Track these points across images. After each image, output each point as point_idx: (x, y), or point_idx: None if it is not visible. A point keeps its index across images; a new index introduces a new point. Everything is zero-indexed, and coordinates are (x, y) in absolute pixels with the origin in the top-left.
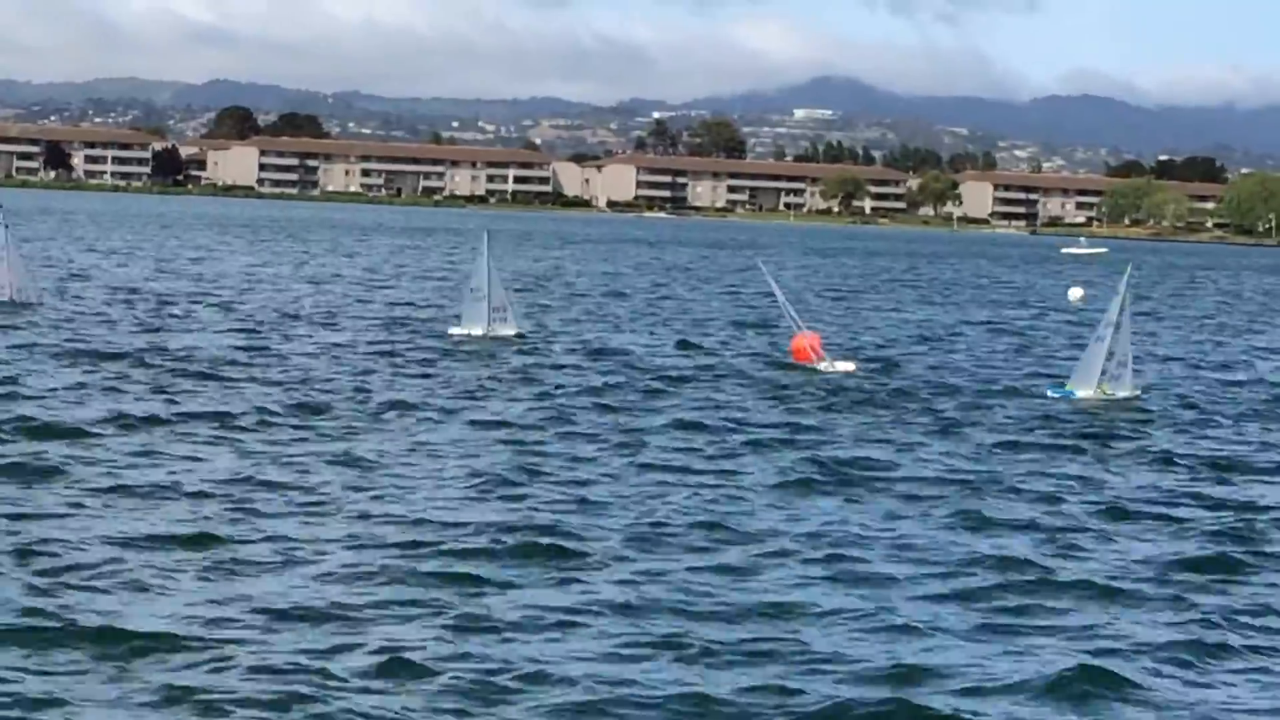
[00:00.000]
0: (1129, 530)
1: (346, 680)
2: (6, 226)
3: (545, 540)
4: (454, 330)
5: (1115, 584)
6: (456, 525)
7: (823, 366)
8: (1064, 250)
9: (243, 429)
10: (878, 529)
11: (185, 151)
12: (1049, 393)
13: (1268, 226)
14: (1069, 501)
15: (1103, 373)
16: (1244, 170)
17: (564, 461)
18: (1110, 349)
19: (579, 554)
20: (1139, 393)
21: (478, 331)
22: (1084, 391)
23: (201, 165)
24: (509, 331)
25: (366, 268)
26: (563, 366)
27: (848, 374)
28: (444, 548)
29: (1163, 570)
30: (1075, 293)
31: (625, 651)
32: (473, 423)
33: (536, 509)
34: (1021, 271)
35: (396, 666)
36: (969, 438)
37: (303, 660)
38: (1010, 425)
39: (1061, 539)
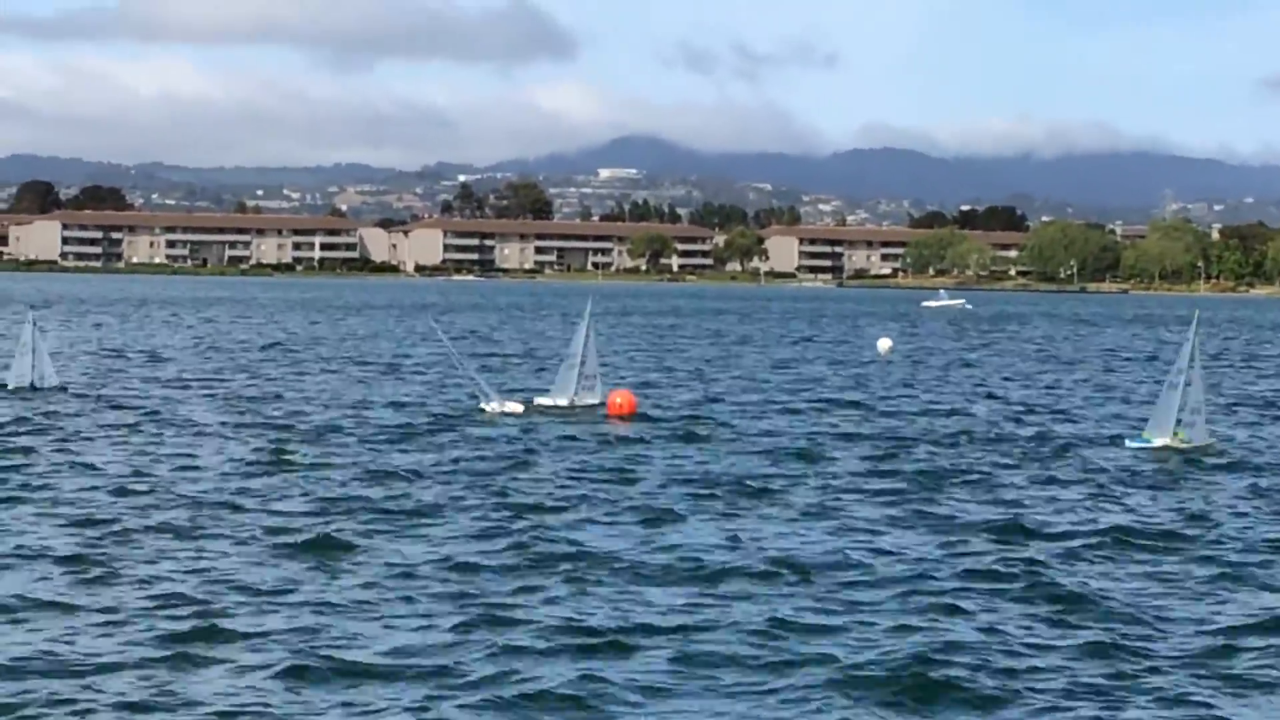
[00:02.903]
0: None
1: None
2: (34, 324)
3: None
4: (541, 400)
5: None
6: None
7: (492, 407)
8: (924, 304)
9: None
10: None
11: None
12: (1127, 443)
13: (1069, 273)
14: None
15: (1178, 420)
16: (1044, 218)
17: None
18: (1183, 398)
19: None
20: (1213, 441)
21: (563, 401)
22: (1160, 439)
23: (3, 240)
24: (594, 400)
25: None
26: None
27: (516, 415)
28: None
29: None
30: (884, 344)
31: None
32: None
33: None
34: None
35: None
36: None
37: None
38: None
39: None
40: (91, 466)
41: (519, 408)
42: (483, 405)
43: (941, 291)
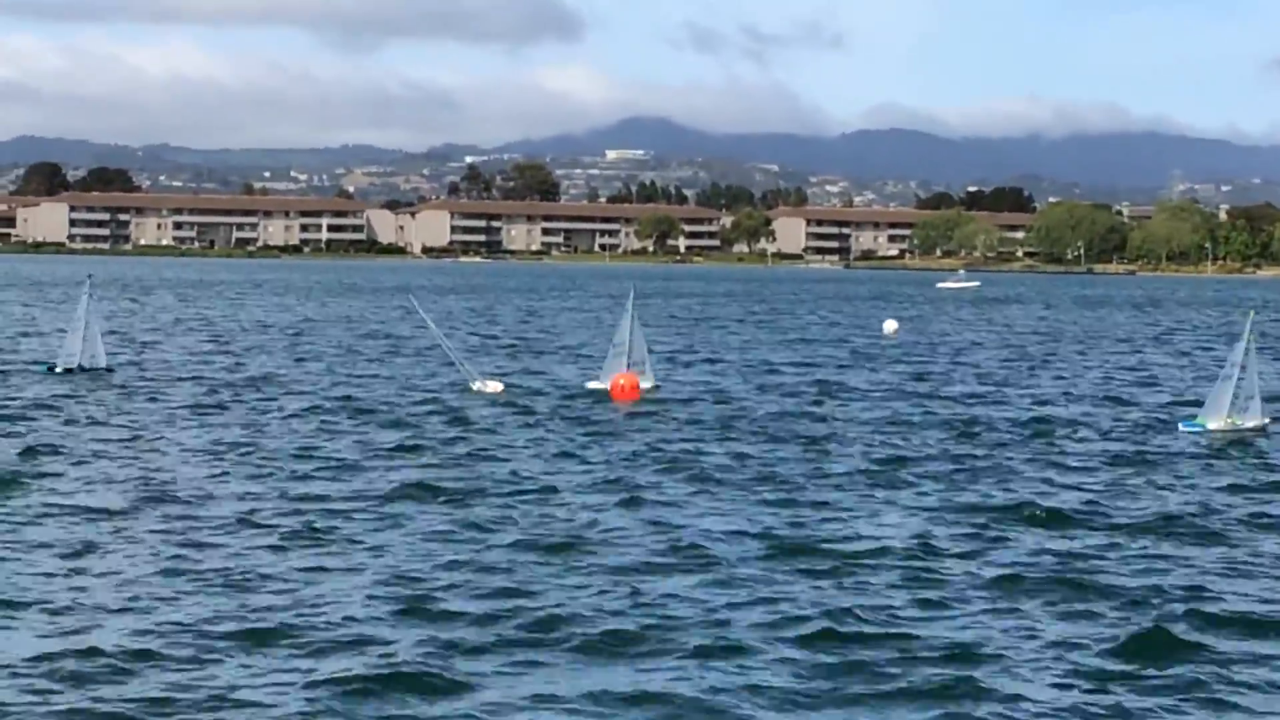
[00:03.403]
0: None
1: None
2: (91, 296)
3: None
4: (592, 384)
5: None
6: None
7: (475, 386)
8: (940, 286)
9: None
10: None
11: None
12: (1181, 426)
13: (1076, 254)
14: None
15: (1232, 404)
16: (1051, 199)
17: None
18: (1236, 389)
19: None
20: (1267, 421)
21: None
22: (1214, 424)
23: (11, 222)
24: (646, 385)
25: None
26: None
27: (496, 394)
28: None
29: None
30: (890, 325)
31: None
32: None
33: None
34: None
35: None
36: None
37: None
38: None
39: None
40: (95, 452)
41: (499, 387)
42: (470, 384)
43: (961, 272)
